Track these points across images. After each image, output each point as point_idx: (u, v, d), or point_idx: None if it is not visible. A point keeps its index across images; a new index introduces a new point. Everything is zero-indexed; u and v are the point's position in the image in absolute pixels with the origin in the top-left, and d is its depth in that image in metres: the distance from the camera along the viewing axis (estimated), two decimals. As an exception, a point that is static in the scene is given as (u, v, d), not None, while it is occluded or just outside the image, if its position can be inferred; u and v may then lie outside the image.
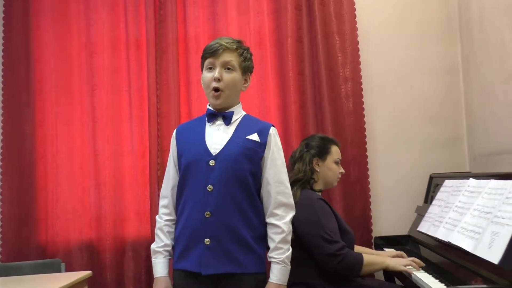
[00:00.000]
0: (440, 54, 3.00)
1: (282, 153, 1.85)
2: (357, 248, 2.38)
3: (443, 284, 1.77)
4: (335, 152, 2.33)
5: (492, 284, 1.57)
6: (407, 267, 2.04)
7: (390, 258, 2.16)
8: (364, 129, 2.91)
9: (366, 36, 2.98)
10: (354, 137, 2.87)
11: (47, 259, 2.63)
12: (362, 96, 2.92)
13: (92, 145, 2.91)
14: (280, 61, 2.95)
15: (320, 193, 2.29)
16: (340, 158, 2.36)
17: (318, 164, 2.29)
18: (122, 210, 2.87)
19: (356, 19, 2.95)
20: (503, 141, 2.51)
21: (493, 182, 1.91)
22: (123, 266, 2.83)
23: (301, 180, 2.23)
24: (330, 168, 2.31)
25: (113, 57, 2.95)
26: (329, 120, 2.86)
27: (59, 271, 2.47)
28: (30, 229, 2.82)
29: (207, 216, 1.71)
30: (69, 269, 2.67)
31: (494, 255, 1.60)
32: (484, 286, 1.57)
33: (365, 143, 2.90)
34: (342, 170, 2.38)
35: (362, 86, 2.92)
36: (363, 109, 2.92)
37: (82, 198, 2.88)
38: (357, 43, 2.94)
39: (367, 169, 2.89)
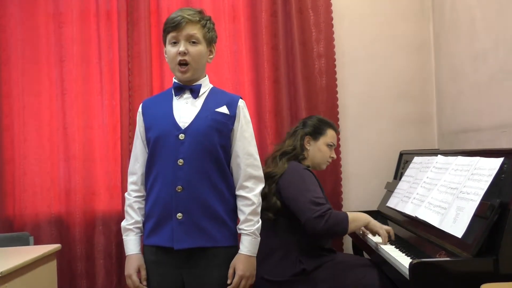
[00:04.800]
0: (412, 31, 3.02)
1: (251, 125, 1.84)
2: None
3: (409, 258, 1.81)
4: (330, 135, 2.33)
5: (455, 257, 1.62)
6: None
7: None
8: (337, 106, 2.92)
9: (339, 12, 2.97)
10: (327, 113, 2.86)
11: (14, 233, 2.59)
12: (335, 73, 2.92)
13: (61, 117, 2.84)
14: (254, 36, 2.92)
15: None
16: (335, 143, 2.36)
17: (309, 143, 2.29)
18: (92, 184, 2.83)
19: (331, -6, 2.93)
20: (469, 119, 2.56)
21: (459, 159, 1.96)
22: (93, 240, 2.80)
23: (289, 154, 2.24)
24: (321, 149, 2.31)
25: (82, 28, 2.86)
26: (303, 96, 2.86)
27: (27, 244, 2.43)
28: (-4, 202, 2.76)
29: (179, 190, 1.70)
30: (37, 242, 2.62)
31: (458, 230, 1.65)
32: (447, 259, 1.61)
33: (338, 119, 2.92)
34: (334, 155, 2.37)
35: (335, 63, 2.92)
36: (336, 85, 2.92)
37: (50, 171, 2.82)
38: (331, 19, 2.92)
39: (339, 146, 2.91)
